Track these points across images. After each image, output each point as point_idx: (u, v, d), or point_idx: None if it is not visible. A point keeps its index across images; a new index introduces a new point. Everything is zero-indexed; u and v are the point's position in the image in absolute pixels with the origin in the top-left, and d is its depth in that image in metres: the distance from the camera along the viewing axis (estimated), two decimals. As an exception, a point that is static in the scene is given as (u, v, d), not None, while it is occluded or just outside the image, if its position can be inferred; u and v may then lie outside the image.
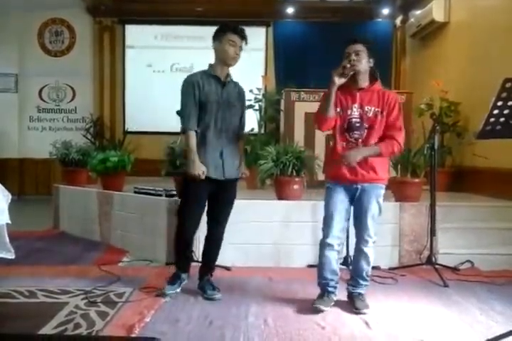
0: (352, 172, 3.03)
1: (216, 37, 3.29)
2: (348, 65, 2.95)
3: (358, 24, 8.68)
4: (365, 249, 3.12)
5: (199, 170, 3.16)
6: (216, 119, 3.26)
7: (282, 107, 6.00)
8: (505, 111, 2.34)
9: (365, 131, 3.03)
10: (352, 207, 3.14)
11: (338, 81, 2.95)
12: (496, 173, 5.14)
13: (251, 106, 6.50)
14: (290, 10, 8.81)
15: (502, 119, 2.37)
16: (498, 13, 5.41)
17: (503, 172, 5.00)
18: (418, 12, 7.54)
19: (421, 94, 6.38)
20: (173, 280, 3.37)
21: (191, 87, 3.24)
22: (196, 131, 3.24)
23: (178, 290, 3.32)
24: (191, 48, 8.69)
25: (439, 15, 6.67)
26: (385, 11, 8.75)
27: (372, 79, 3.10)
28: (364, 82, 3.07)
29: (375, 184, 3.08)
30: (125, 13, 9.06)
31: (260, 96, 6.64)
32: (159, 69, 9.08)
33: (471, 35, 6.04)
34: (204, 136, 3.27)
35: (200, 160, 3.21)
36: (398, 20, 8.77)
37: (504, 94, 2.30)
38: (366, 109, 3.03)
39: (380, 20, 8.93)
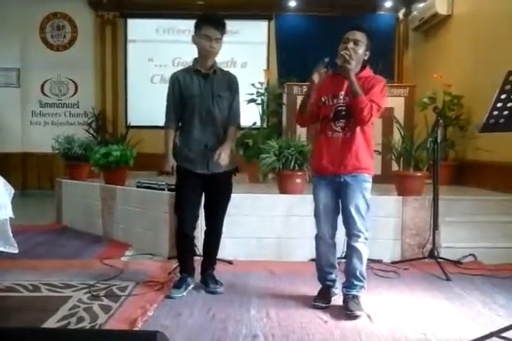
0: (334, 163, 2.96)
1: (195, 30, 3.26)
2: (345, 55, 2.88)
3: (361, 17, 8.61)
4: (356, 245, 2.97)
5: (168, 166, 3.23)
6: (200, 113, 3.23)
7: (285, 101, 5.99)
8: (509, 104, 2.33)
9: (351, 119, 2.95)
10: (341, 202, 3.05)
11: (317, 80, 2.94)
12: (499, 167, 5.12)
13: (253, 100, 6.50)
14: (292, 3, 8.75)
15: (505, 112, 2.35)
16: (501, 5, 5.37)
17: (506, 165, 4.99)
18: (421, 5, 7.50)
19: (424, 87, 6.35)
20: (180, 284, 3.30)
21: (171, 84, 3.32)
22: (177, 128, 3.33)
23: (184, 293, 3.25)
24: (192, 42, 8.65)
25: (442, 8, 6.62)
26: (388, 4, 8.70)
27: (362, 68, 3.03)
28: (353, 71, 2.95)
29: (359, 175, 2.96)
30: (127, 7, 9.02)
31: (262, 90, 6.63)
32: (161, 63, 9.05)
33: (474, 28, 6.01)
34: (188, 131, 3.26)
35: (186, 155, 3.25)
36: (401, 14, 8.71)
37: (508, 87, 2.28)
38: (351, 96, 2.94)
39: (382, 13, 8.88)
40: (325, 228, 3.08)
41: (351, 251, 3.02)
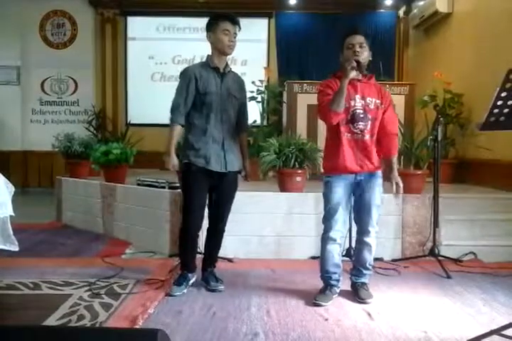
0: (358, 164, 3.05)
1: (209, 28, 3.24)
2: (362, 60, 2.94)
3: (361, 15, 8.63)
4: (368, 240, 3.14)
5: (171, 165, 3.20)
6: (216, 111, 3.22)
7: (285, 99, 5.99)
8: (510, 102, 2.32)
9: (369, 122, 3.05)
10: (353, 200, 3.16)
11: (352, 74, 2.94)
12: (499, 165, 5.12)
13: (254, 98, 6.50)
14: (292, 1, 8.75)
15: (506, 110, 2.35)
16: (501, 3, 5.37)
17: (507, 164, 4.99)
18: (421, 3, 7.50)
19: (424, 85, 6.35)
20: (180, 281, 3.28)
21: (187, 79, 3.22)
22: (182, 125, 3.25)
23: (185, 291, 3.25)
24: (193, 40, 8.63)
25: (442, 6, 6.63)
26: (388, 2, 8.69)
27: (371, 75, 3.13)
28: (362, 74, 3.07)
29: (376, 173, 3.12)
30: (127, 5, 9.02)
31: (263, 88, 6.63)
32: (161, 61, 9.06)
33: (474, 26, 6.00)
34: (205, 128, 3.22)
35: (201, 152, 3.20)
36: (401, 11, 8.71)
37: (508, 85, 2.28)
38: (368, 101, 3.05)
39: (383, 11, 8.87)
40: (340, 229, 3.12)
41: (363, 246, 3.17)
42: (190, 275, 3.34)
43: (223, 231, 3.43)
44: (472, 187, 5.37)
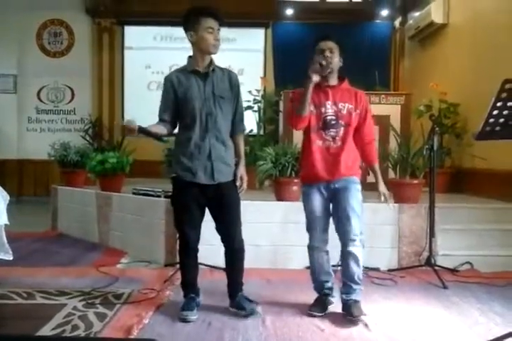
0: (329, 172, 2.99)
1: (189, 26, 2.94)
2: (324, 62, 2.92)
3: (357, 26, 8.70)
4: (353, 250, 2.96)
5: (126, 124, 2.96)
6: (201, 118, 2.94)
7: (281, 108, 6.00)
8: (505, 112, 2.33)
9: (342, 128, 3.00)
10: (332, 208, 3.07)
11: (315, 78, 2.92)
12: (495, 175, 5.14)
13: (250, 108, 6.51)
14: (289, 11, 8.81)
15: (501, 120, 2.36)
16: (497, 14, 5.41)
17: (502, 173, 5.00)
18: (417, 14, 7.55)
19: (420, 95, 6.38)
20: (190, 305, 3.03)
21: (166, 87, 3.01)
22: (166, 121, 3.02)
23: (197, 313, 3.02)
24: (190, 49, 8.65)
25: (438, 17, 6.67)
26: (384, 13, 8.76)
27: (340, 77, 3.09)
28: (334, 79, 3.05)
29: (350, 178, 3.01)
30: (124, 14, 9.07)
31: (259, 98, 6.65)
32: (158, 70, 9.08)
33: (470, 36, 6.04)
34: (188, 138, 2.96)
35: (187, 165, 2.96)
36: (397, 22, 8.78)
37: (504, 95, 2.29)
38: (340, 106, 3.00)
39: (379, 21, 8.94)
40: (321, 236, 3.07)
41: (348, 257, 2.99)
42: (197, 298, 3.14)
43: (241, 250, 3.14)
44: (468, 197, 5.38)
